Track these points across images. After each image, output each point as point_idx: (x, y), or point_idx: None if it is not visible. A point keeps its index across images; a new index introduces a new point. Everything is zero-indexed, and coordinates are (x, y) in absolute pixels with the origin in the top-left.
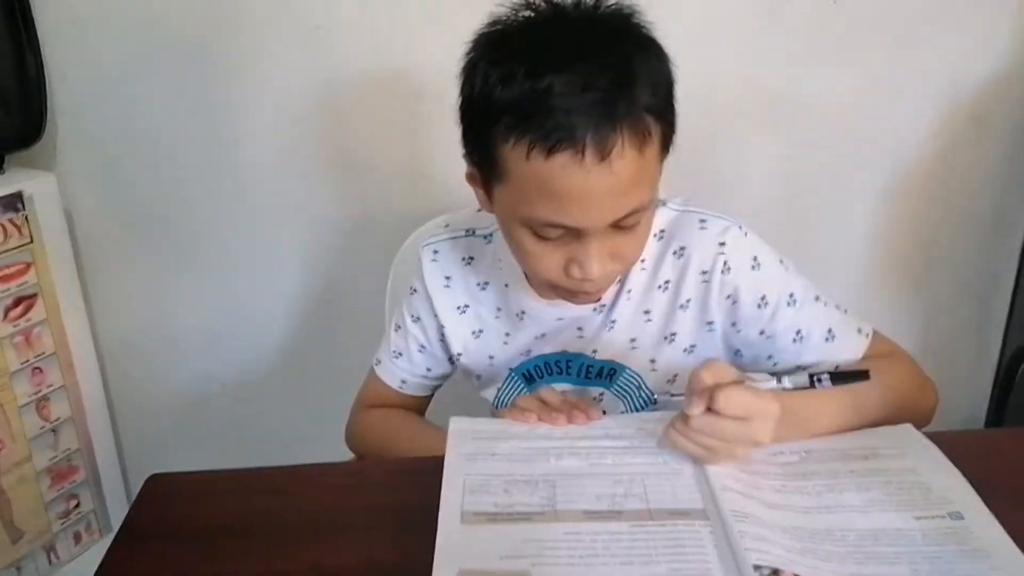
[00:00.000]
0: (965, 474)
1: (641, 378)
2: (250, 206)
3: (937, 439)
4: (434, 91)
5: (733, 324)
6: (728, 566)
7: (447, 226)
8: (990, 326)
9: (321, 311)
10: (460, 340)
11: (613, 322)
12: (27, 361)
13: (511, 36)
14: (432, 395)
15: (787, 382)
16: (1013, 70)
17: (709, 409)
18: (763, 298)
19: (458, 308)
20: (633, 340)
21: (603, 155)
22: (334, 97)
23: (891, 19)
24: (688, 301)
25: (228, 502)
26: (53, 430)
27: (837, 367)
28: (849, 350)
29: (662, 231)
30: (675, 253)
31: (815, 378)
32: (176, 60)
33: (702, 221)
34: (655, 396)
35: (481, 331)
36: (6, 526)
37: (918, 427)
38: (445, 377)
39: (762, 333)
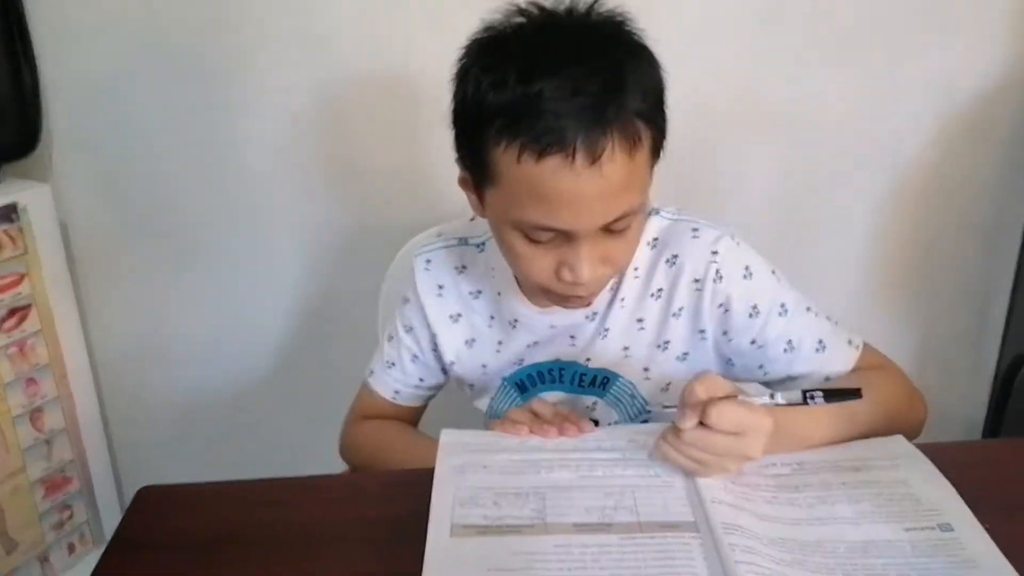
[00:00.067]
0: (956, 485)
1: (634, 386)
2: (246, 216)
3: (929, 450)
4: (432, 98)
5: (724, 333)
6: None
7: (440, 235)
8: (988, 333)
9: (317, 322)
10: (453, 349)
11: (606, 330)
12: (21, 372)
13: (504, 42)
14: (425, 406)
15: (780, 398)
16: (1009, 78)
17: (701, 423)
18: (754, 307)
19: (451, 317)
20: (626, 348)
21: (593, 159)
22: (331, 106)
23: (888, 27)
24: (681, 309)
25: (219, 513)
26: (47, 441)
27: (827, 379)
28: (839, 361)
29: (655, 239)
30: (668, 261)
31: (808, 395)
32: (171, 70)
33: (695, 230)
34: (648, 406)
35: (474, 340)
36: (0, 537)
37: (908, 439)
38: (438, 387)
39: (753, 342)
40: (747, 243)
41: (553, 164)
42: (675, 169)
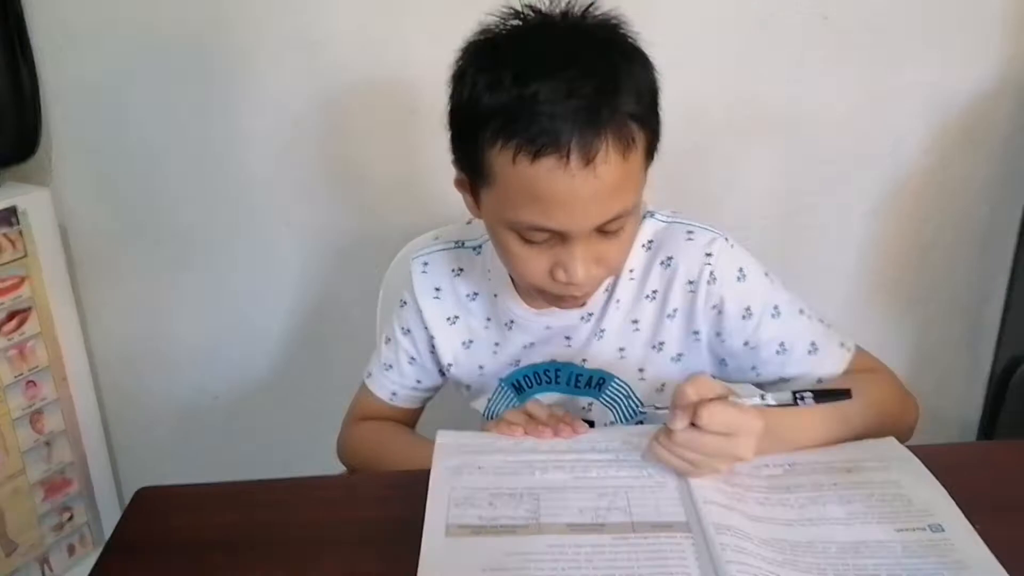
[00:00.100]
0: (948, 487)
1: (630, 387)
2: (245, 219)
3: (920, 452)
4: (431, 102)
5: (718, 334)
6: None
7: (437, 238)
8: (983, 338)
9: (316, 324)
10: (450, 351)
11: (602, 331)
12: (21, 374)
13: (499, 44)
14: (423, 407)
15: (770, 399)
16: (1003, 85)
17: (693, 424)
18: (747, 309)
19: (448, 319)
20: (622, 349)
21: (587, 160)
22: (330, 110)
23: (882, 35)
24: (675, 311)
25: (216, 515)
26: (47, 443)
27: (819, 381)
28: (831, 363)
29: (650, 241)
30: (662, 263)
31: (798, 396)
32: (170, 75)
33: (689, 232)
34: (643, 407)
35: (471, 341)
36: (0, 538)
37: (900, 441)
38: (435, 389)
39: (746, 344)
40: (741, 246)
41: (548, 165)
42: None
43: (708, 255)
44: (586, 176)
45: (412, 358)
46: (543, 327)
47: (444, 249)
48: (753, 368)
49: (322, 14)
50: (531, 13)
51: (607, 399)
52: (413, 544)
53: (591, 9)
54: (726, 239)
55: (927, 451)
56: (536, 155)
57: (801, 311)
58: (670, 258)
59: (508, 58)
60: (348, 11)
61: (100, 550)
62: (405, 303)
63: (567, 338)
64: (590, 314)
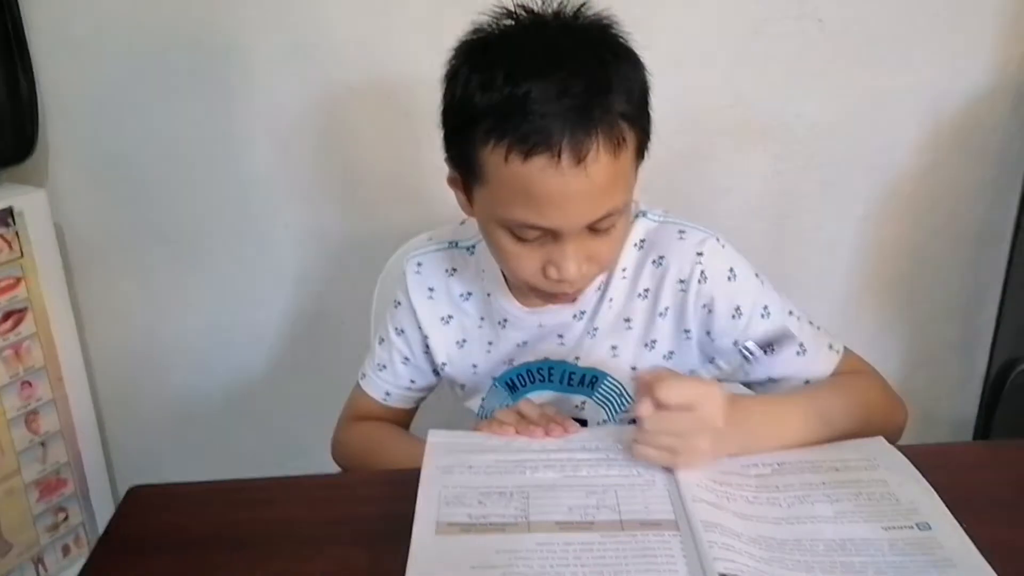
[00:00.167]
0: (936, 486)
1: (622, 386)
2: (240, 221)
3: (908, 451)
4: (427, 104)
5: (708, 333)
6: (696, 575)
7: (430, 239)
8: (978, 340)
9: (312, 325)
10: (444, 350)
11: (595, 329)
12: (16, 375)
13: (492, 44)
14: (416, 408)
15: (722, 364)
16: (996, 88)
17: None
18: (737, 308)
19: (442, 319)
20: (614, 347)
21: (578, 159)
22: (327, 112)
23: (875, 39)
24: (666, 309)
25: (208, 513)
26: (42, 443)
27: (807, 382)
28: (820, 365)
29: (642, 240)
30: (654, 262)
31: (744, 351)
32: (167, 78)
33: (681, 232)
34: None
35: (465, 341)
36: None
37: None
38: (429, 389)
39: (735, 343)
40: (732, 246)
41: (539, 164)
42: (668, 175)
43: (699, 254)
44: (577, 175)
45: (406, 358)
46: (536, 325)
47: (438, 249)
48: (743, 367)
49: (317, 17)
50: (523, 13)
51: (600, 397)
52: (403, 541)
53: (583, 9)
54: (717, 239)
55: (915, 450)
56: (528, 154)
57: (790, 312)
58: (662, 257)
59: (500, 57)
60: (343, 13)
61: None
62: (399, 304)
63: (560, 336)
64: (583, 312)
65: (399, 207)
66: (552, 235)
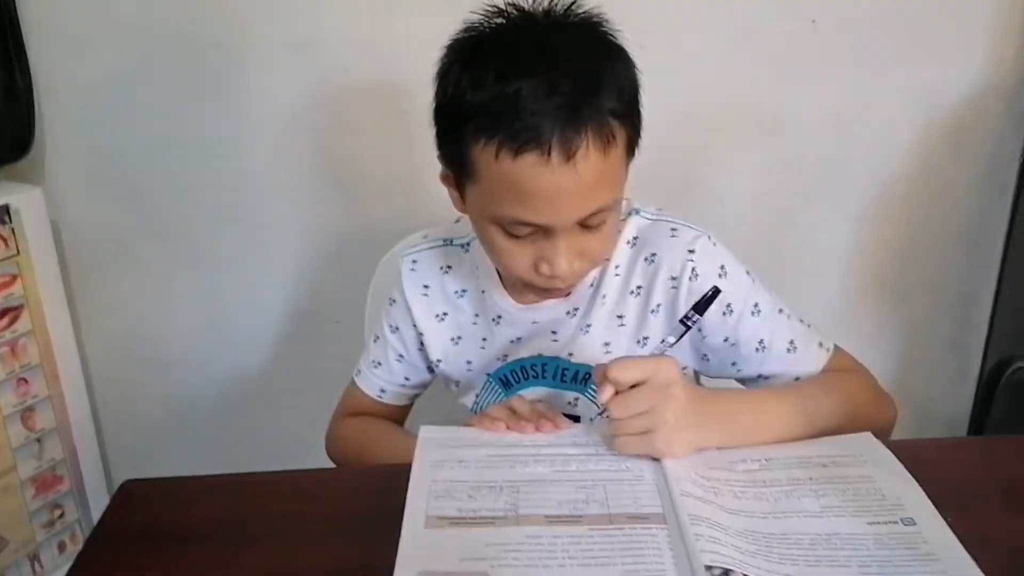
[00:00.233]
0: (922, 481)
1: None
2: (237, 219)
3: (896, 447)
4: (424, 102)
5: (699, 330)
6: (682, 567)
7: (425, 237)
8: (972, 338)
9: (308, 323)
10: (439, 347)
11: (588, 326)
12: (12, 372)
13: (483, 42)
14: (411, 405)
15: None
16: (990, 88)
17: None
18: (728, 306)
19: (436, 316)
20: (607, 344)
21: (568, 156)
22: (323, 110)
23: (869, 39)
24: (659, 306)
25: (201, 507)
26: (38, 440)
27: (797, 379)
28: (809, 362)
29: (635, 238)
30: (646, 259)
31: (685, 319)
32: (164, 76)
33: (673, 229)
34: None
35: (459, 337)
36: None
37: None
38: (423, 386)
39: (726, 340)
40: (724, 245)
41: (529, 161)
42: (662, 175)
43: (691, 252)
44: (567, 171)
45: (400, 355)
46: (530, 322)
47: (432, 247)
48: (734, 364)
49: (313, 15)
50: (514, 11)
51: (593, 394)
52: (394, 536)
53: (573, 7)
54: (709, 237)
55: (902, 445)
56: (518, 151)
57: (781, 310)
58: (654, 254)
59: (491, 56)
60: (339, 12)
61: None
62: (394, 301)
63: (554, 333)
64: (576, 309)
65: (395, 205)
66: (544, 231)
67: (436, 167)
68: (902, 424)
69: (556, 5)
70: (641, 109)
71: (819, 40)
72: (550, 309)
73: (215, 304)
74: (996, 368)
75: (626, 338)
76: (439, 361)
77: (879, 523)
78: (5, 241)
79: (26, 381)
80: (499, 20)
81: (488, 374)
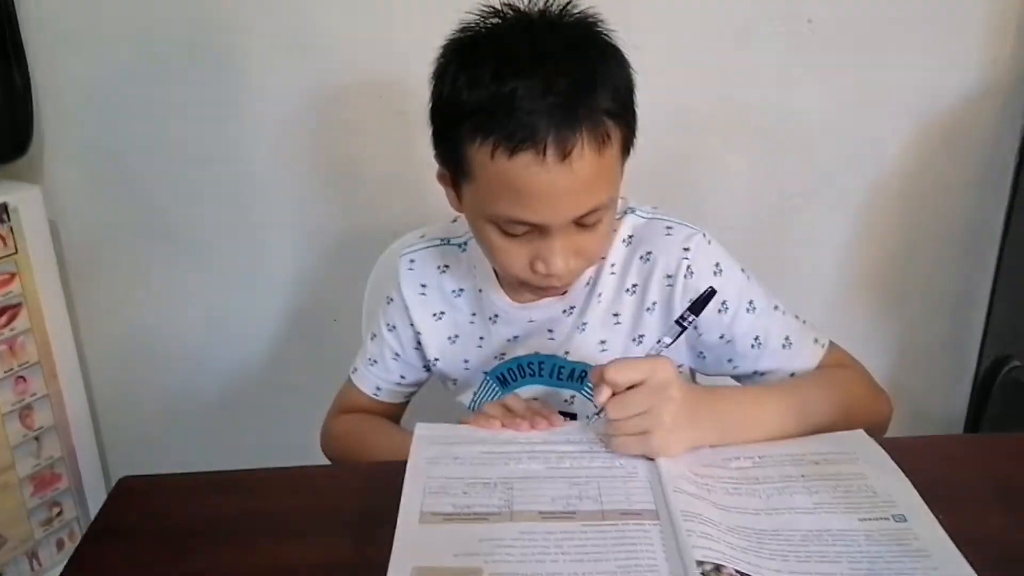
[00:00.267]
0: (914, 479)
1: None
2: (235, 218)
3: (889, 444)
4: (422, 101)
5: (695, 328)
6: (674, 562)
7: (423, 236)
8: (968, 337)
9: (306, 321)
10: (437, 346)
11: (584, 324)
12: (11, 370)
13: (479, 42)
14: (407, 403)
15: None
16: (985, 87)
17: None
18: (724, 303)
19: (434, 315)
20: (603, 342)
21: (563, 155)
22: (322, 110)
23: (864, 38)
24: (654, 304)
25: (197, 503)
26: (36, 438)
27: (793, 375)
28: (805, 358)
29: (630, 236)
30: (642, 258)
31: (680, 320)
32: (161, 75)
33: (668, 228)
34: None
35: (457, 336)
36: None
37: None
38: (419, 385)
39: (722, 337)
40: (719, 243)
41: (525, 160)
42: (658, 174)
43: (686, 250)
44: (562, 171)
45: (396, 354)
46: (527, 320)
47: (430, 246)
48: (730, 361)
49: (312, 15)
50: (510, 11)
51: (589, 392)
52: (389, 532)
53: (568, 8)
54: (704, 235)
55: (894, 443)
56: (514, 151)
57: (776, 307)
58: (649, 253)
59: (487, 56)
60: (337, 12)
61: None
62: (391, 300)
63: (550, 331)
64: (572, 308)
65: (394, 204)
66: (539, 230)
67: (434, 166)
68: (899, 423)
69: (551, 5)
70: (636, 108)
71: (815, 40)
72: (546, 307)
73: (213, 303)
74: (992, 367)
75: (622, 336)
76: (436, 360)
77: (870, 519)
78: (3, 240)
79: (24, 379)
80: (495, 20)
81: (485, 372)
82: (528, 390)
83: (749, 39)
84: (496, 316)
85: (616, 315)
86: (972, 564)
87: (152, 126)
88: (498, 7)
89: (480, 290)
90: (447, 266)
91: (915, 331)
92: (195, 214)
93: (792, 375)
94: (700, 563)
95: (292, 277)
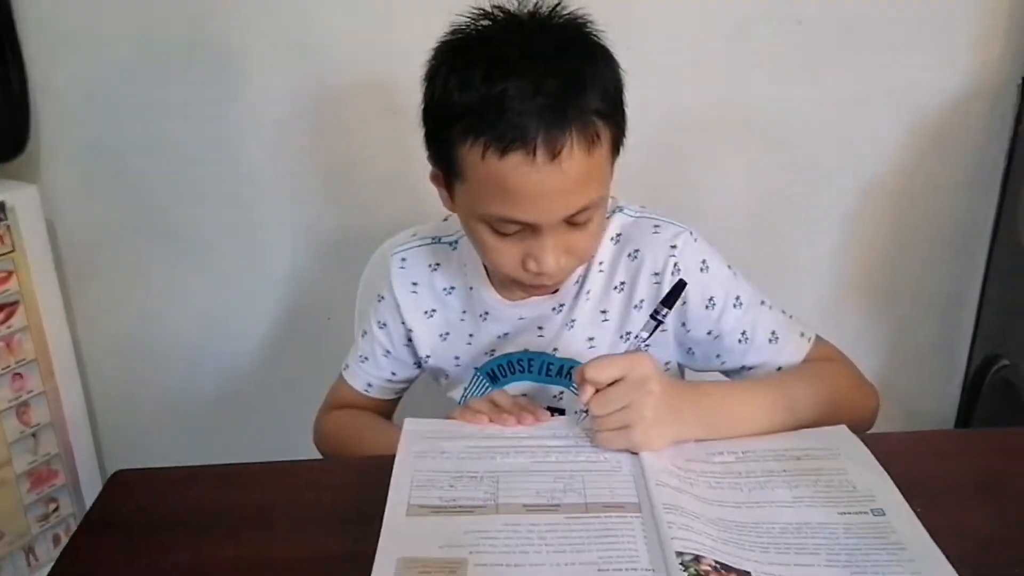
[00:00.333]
0: (894, 473)
1: None
2: (231, 217)
3: (870, 439)
4: (416, 105)
5: (683, 324)
6: (654, 553)
7: (414, 235)
8: (957, 337)
9: (302, 319)
10: (428, 343)
11: (572, 321)
12: (8, 367)
13: (470, 43)
14: (398, 399)
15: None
16: (976, 89)
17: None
18: (711, 299)
19: (425, 312)
20: (591, 339)
21: (553, 155)
22: (317, 111)
23: (855, 39)
24: (642, 301)
25: (190, 496)
26: (33, 434)
27: (779, 369)
28: (791, 352)
29: (618, 235)
30: (629, 256)
31: (655, 315)
32: (159, 75)
33: (655, 226)
34: None
35: (448, 334)
36: None
37: (861, 430)
38: (410, 381)
39: (709, 333)
40: (705, 240)
41: (515, 160)
42: (651, 173)
43: (673, 247)
44: (552, 170)
45: (387, 351)
46: (516, 318)
47: (421, 245)
48: (718, 356)
49: (311, 15)
50: (500, 13)
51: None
52: (377, 525)
53: (558, 9)
54: (691, 233)
55: (875, 438)
56: (504, 151)
57: (762, 302)
58: (637, 251)
59: (477, 57)
60: (337, 12)
61: None
62: (382, 298)
63: (540, 328)
64: (561, 305)
65: (389, 204)
66: (531, 229)
67: (429, 166)
68: (889, 423)
69: (541, 7)
70: (626, 109)
71: (805, 41)
72: (536, 305)
73: (209, 301)
74: (982, 366)
75: (610, 333)
76: (427, 357)
77: (849, 513)
78: (1, 238)
79: (21, 376)
80: (485, 22)
81: (476, 368)
82: (517, 386)
83: (741, 40)
84: (486, 313)
85: (604, 312)
86: (950, 556)
87: (150, 126)
88: (488, 9)
89: (471, 288)
90: (438, 264)
91: (905, 331)
92: (192, 213)
93: (779, 369)
94: (680, 554)
95: (289, 276)
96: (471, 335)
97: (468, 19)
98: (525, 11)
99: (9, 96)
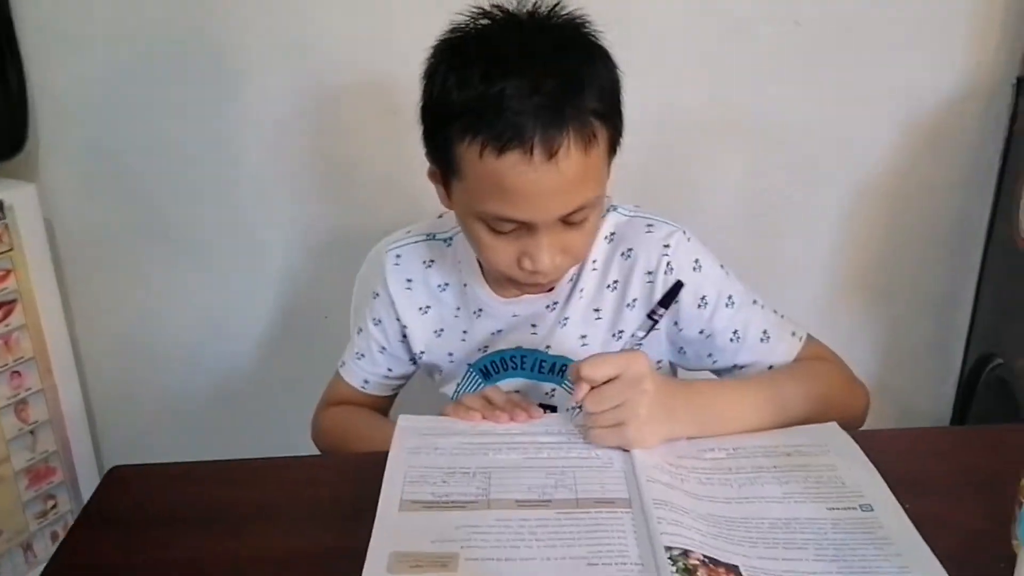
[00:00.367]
0: (883, 470)
1: None
2: (229, 216)
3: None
4: (414, 104)
5: (675, 323)
6: (643, 548)
7: (409, 232)
8: (952, 337)
9: (302, 318)
10: (422, 339)
11: (566, 319)
12: (6, 365)
13: (468, 42)
14: (394, 395)
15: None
16: (971, 89)
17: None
18: (703, 298)
19: (420, 309)
20: (584, 337)
21: (550, 155)
22: (315, 111)
23: (851, 40)
24: (634, 300)
25: (186, 492)
26: (31, 432)
27: (771, 367)
28: (783, 351)
29: (612, 234)
30: (623, 255)
31: (652, 314)
32: (157, 75)
33: (649, 225)
34: None
35: (442, 330)
36: None
37: (851, 428)
38: (406, 377)
39: (701, 332)
40: (698, 240)
41: (513, 159)
42: (647, 173)
43: (666, 246)
44: (549, 170)
45: (383, 348)
46: (510, 315)
47: (416, 242)
48: (710, 355)
49: (311, 15)
50: (499, 12)
51: (569, 386)
52: (371, 520)
53: (557, 8)
54: (684, 232)
55: (866, 435)
56: (502, 150)
57: (754, 301)
58: (630, 250)
59: (476, 56)
60: (337, 12)
61: None
62: (377, 295)
63: (533, 326)
64: (555, 303)
65: (388, 204)
66: (527, 228)
67: (427, 165)
68: (884, 422)
69: (540, 6)
70: (623, 109)
71: (802, 41)
72: (530, 303)
73: (208, 300)
74: (976, 365)
75: (602, 331)
76: (422, 353)
77: (838, 509)
78: None
79: (19, 374)
80: (484, 21)
81: (469, 364)
82: (510, 383)
83: (738, 40)
84: (480, 310)
85: (597, 310)
86: (936, 550)
87: (148, 125)
88: (487, 8)
89: (465, 284)
90: (433, 261)
91: (901, 330)
92: (191, 213)
93: (770, 368)
94: (668, 548)
95: (288, 275)
96: (465, 331)
97: (467, 18)
98: (524, 11)
99: (8, 95)
